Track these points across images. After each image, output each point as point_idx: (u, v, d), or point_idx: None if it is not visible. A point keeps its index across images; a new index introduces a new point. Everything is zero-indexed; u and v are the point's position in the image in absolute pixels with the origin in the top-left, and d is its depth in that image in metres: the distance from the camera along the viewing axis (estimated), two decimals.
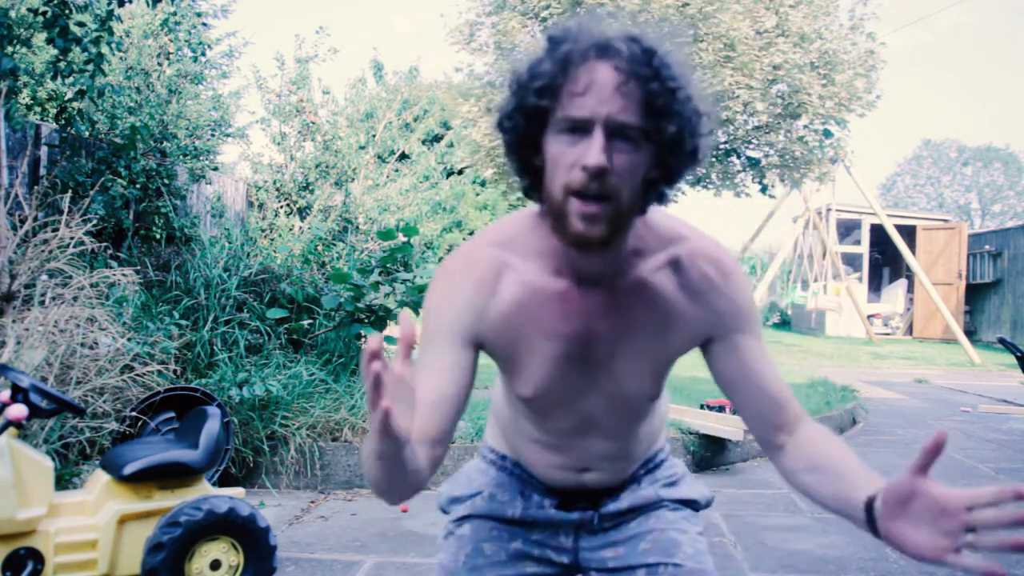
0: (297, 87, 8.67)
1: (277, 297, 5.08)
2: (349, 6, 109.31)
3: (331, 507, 3.80)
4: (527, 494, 1.32)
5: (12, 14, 5.57)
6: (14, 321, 3.61)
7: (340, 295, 4.77)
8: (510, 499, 1.31)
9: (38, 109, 6.72)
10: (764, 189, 10.97)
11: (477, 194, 18.20)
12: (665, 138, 0.97)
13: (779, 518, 3.75)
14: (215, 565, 2.53)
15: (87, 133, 6.20)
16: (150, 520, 2.54)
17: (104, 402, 3.54)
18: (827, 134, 10.30)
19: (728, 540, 3.38)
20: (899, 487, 0.90)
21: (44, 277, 3.99)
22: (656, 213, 1.11)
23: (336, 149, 8.41)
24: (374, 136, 9.96)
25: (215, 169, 8.62)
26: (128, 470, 2.49)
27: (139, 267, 4.66)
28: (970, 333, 15.76)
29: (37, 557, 2.36)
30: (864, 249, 19.01)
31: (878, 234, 17.94)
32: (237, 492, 2.71)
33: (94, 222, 4.50)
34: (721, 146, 10.26)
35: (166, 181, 6.00)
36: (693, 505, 1.35)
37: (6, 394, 2.33)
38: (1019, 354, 5.23)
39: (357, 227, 7.99)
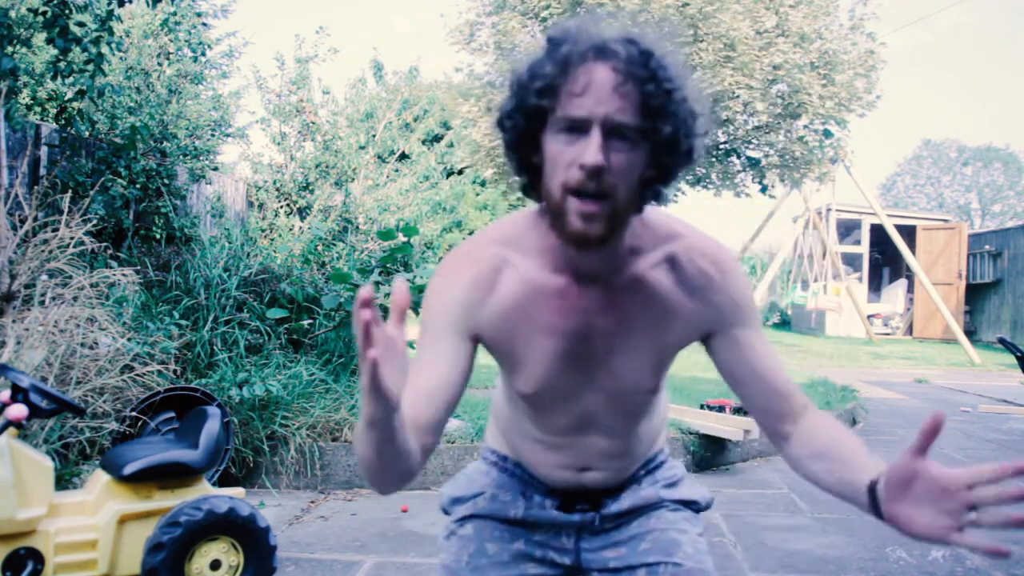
0: (297, 87, 8.67)
1: (277, 297, 5.08)
2: (349, 6, 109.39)
3: (331, 507, 3.80)
4: (528, 495, 1.32)
5: (12, 14, 5.57)
6: (14, 321, 3.61)
7: (340, 295, 4.78)
8: (512, 500, 1.31)
9: (38, 109, 6.72)
10: (764, 189, 10.98)
11: (477, 194, 18.19)
12: (661, 138, 0.99)
13: (779, 518, 3.75)
14: (215, 565, 2.53)
15: (87, 133, 6.20)
16: (150, 520, 2.54)
17: (104, 402, 3.54)
18: (827, 134, 10.30)
19: (728, 540, 3.38)
20: (900, 469, 0.91)
21: (44, 277, 3.99)
22: (653, 212, 1.13)
23: (336, 149, 8.42)
24: (374, 136, 9.96)
25: (215, 169, 8.63)
26: (128, 470, 2.49)
27: (139, 267, 4.66)
28: (970, 333, 15.77)
29: (37, 557, 2.36)
30: (864, 249, 19.01)
31: (878, 234, 17.94)
32: (237, 492, 2.71)
33: (94, 222, 4.50)
34: (721, 146, 10.27)
35: (166, 181, 6.00)
36: (693, 506, 1.36)
37: (6, 394, 2.33)
38: (1019, 354, 5.23)
39: (357, 227, 8.00)
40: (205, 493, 2.64)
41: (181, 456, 2.58)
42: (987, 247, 16.66)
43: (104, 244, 4.82)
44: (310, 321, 5.12)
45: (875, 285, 20.18)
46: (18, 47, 5.97)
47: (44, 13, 4.91)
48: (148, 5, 5.53)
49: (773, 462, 4.97)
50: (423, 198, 10.90)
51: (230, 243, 5.58)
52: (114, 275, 4.09)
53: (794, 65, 9.14)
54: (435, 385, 1.06)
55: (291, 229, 7.72)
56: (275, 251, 6.55)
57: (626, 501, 1.30)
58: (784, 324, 19.52)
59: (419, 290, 4.74)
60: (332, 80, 51.51)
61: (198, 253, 5.05)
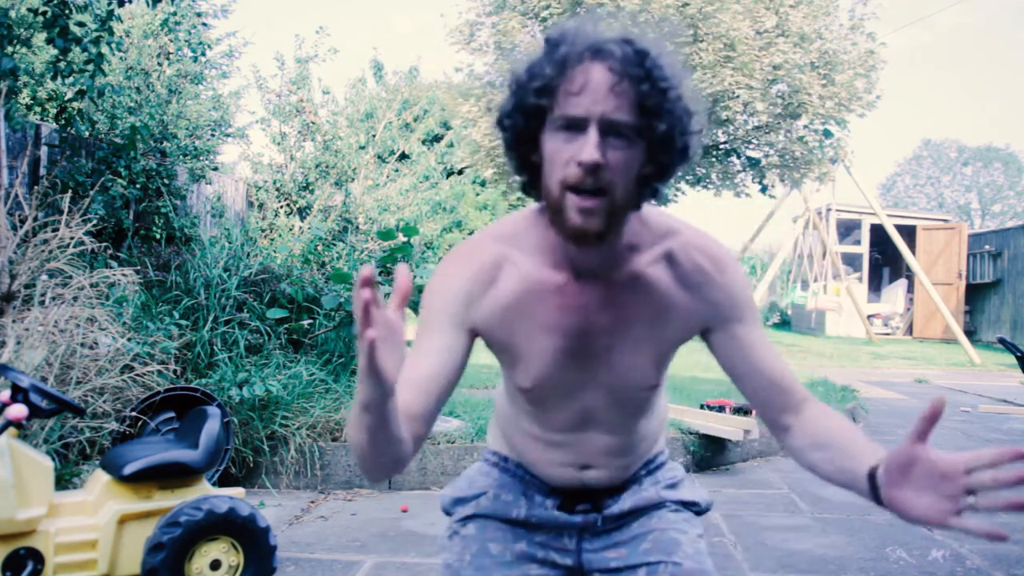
0: (297, 87, 8.67)
1: (277, 297, 5.08)
2: (349, 6, 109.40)
3: (331, 507, 3.80)
4: (530, 495, 1.32)
5: (12, 14, 5.57)
6: (14, 321, 3.61)
7: (340, 295, 4.78)
8: (514, 500, 1.32)
9: (38, 109, 6.72)
10: (764, 189, 10.98)
11: (477, 194, 18.18)
12: (657, 135, 1.01)
13: (779, 518, 3.75)
14: (215, 565, 2.53)
15: (87, 133, 6.20)
16: (150, 520, 2.54)
17: (104, 402, 3.54)
18: (827, 134, 10.30)
19: (728, 540, 3.38)
20: (900, 455, 0.93)
21: (44, 277, 3.99)
22: (651, 209, 1.15)
23: (336, 149, 8.42)
24: (374, 136, 9.97)
25: (215, 169, 8.63)
26: (128, 470, 2.49)
27: (139, 267, 4.66)
28: (970, 333, 15.77)
29: (37, 557, 2.36)
30: (864, 249, 19.01)
31: (878, 234, 17.94)
32: (237, 492, 2.71)
33: (94, 222, 4.50)
34: (721, 146, 10.27)
35: (166, 181, 6.00)
36: (694, 508, 1.36)
37: (6, 394, 2.33)
38: (1019, 354, 5.23)
39: (357, 227, 8.00)
40: (205, 493, 2.64)
41: (181, 456, 2.58)
42: (987, 247, 16.66)
43: (104, 244, 4.82)
44: (310, 321, 5.12)
45: (875, 285, 20.18)
46: (18, 47, 5.97)
47: (44, 13, 4.91)
48: (148, 5, 5.53)
49: (773, 462, 4.98)
50: (423, 198, 10.91)
51: (230, 243, 5.58)
52: (114, 275, 4.09)
53: (794, 65, 9.14)
54: (430, 375, 1.08)
55: (291, 229, 7.72)
56: (275, 251, 6.55)
57: (627, 501, 1.31)
58: (784, 324, 19.53)
59: (419, 290, 4.74)
60: (332, 80, 51.56)
61: (198, 253, 5.04)
